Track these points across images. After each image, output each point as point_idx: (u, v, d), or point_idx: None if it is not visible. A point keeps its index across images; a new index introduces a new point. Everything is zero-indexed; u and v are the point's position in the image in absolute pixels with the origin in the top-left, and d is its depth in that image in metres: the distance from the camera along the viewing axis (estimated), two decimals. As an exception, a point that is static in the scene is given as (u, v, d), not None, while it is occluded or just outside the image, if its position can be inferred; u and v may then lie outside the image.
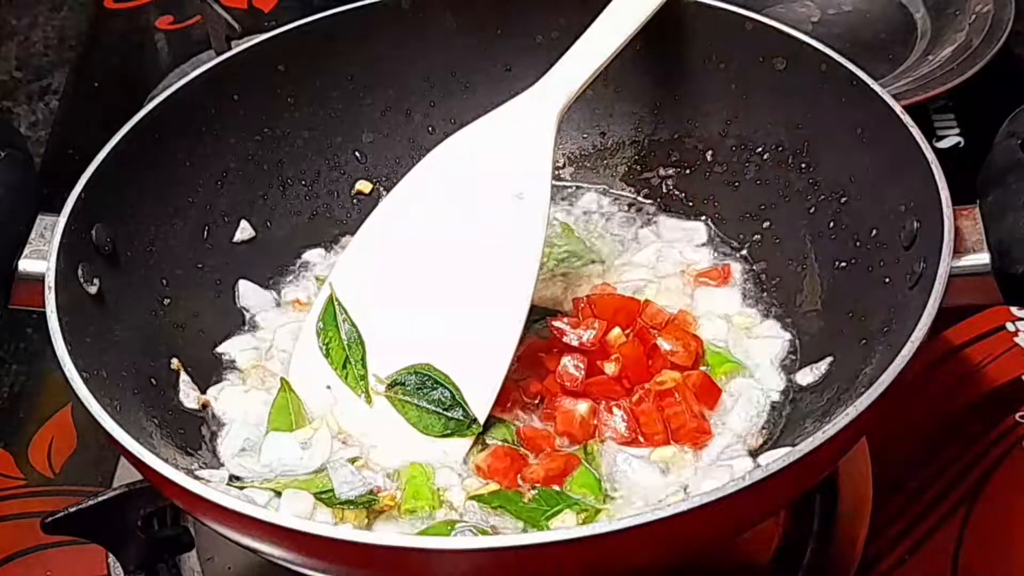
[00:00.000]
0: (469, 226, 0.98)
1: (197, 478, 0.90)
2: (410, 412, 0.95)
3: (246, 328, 1.08)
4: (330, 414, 0.97)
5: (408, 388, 0.95)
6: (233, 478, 0.94)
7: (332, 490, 0.90)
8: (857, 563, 0.97)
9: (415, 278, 0.98)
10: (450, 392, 0.94)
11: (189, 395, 0.99)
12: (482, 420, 0.93)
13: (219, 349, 1.05)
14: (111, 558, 1.02)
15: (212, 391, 1.01)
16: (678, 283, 1.08)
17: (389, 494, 0.90)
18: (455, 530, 0.88)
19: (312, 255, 1.14)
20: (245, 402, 1.01)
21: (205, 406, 1.00)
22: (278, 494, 0.91)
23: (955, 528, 1.02)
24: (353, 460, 0.94)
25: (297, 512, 0.88)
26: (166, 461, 0.77)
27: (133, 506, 0.93)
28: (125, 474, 1.04)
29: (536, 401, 0.97)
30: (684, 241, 1.12)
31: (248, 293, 1.09)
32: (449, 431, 0.94)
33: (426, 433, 0.94)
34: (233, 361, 1.05)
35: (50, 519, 0.90)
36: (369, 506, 0.90)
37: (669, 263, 1.10)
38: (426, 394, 0.95)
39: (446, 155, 1.01)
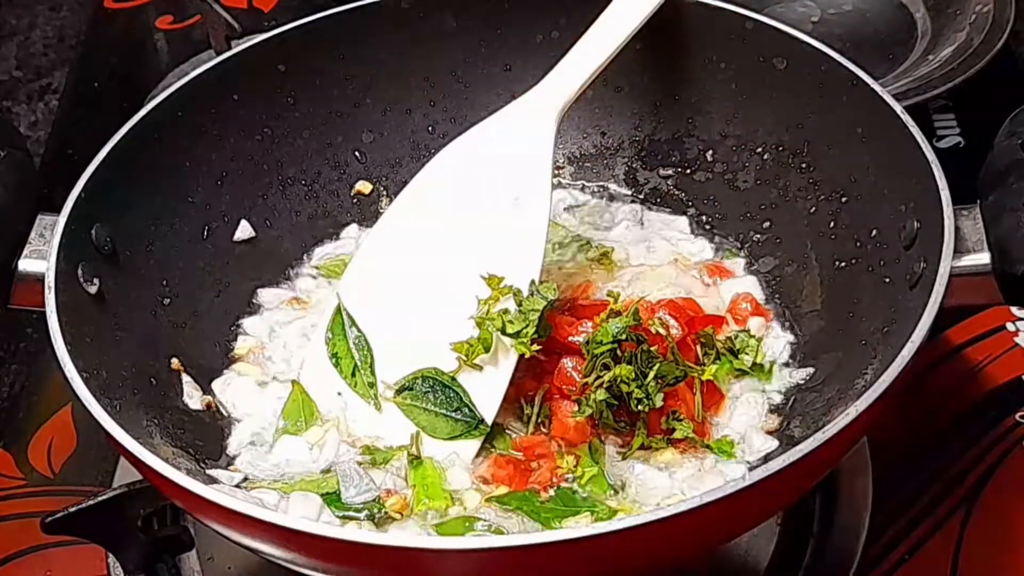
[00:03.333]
0: (472, 231, 0.98)
1: (210, 478, 0.90)
2: (419, 416, 0.95)
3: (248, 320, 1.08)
4: (342, 420, 0.98)
5: (416, 393, 0.96)
6: (248, 479, 0.94)
7: (339, 492, 0.91)
8: (857, 563, 0.97)
9: (420, 283, 0.99)
10: (457, 394, 0.94)
11: (193, 396, 0.99)
12: (489, 421, 0.93)
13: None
14: (111, 558, 1.02)
15: (217, 384, 1.02)
16: (671, 272, 1.08)
17: (400, 497, 0.91)
18: (473, 528, 0.88)
19: (313, 252, 1.14)
20: (253, 397, 1.01)
21: (209, 407, 1.00)
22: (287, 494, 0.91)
23: (955, 528, 1.02)
24: (361, 462, 0.94)
25: (305, 515, 0.89)
26: (166, 461, 0.77)
27: (133, 506, 0.93)
28: (125, 474, 1.04)
29: (531, 400, 0.96)
30: (671, 229, 1.13)
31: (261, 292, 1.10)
32: (457, 433, 0.94)
33: (434, 436, 0.94)
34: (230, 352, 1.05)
35: (50, 519, 0.90)
36: (375, 516, 0.90)
37: (661, 253, 1.10)
38: (434, 398, 0.95)
39: (446, 162, 1.01)
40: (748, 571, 0.98)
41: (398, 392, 0.96)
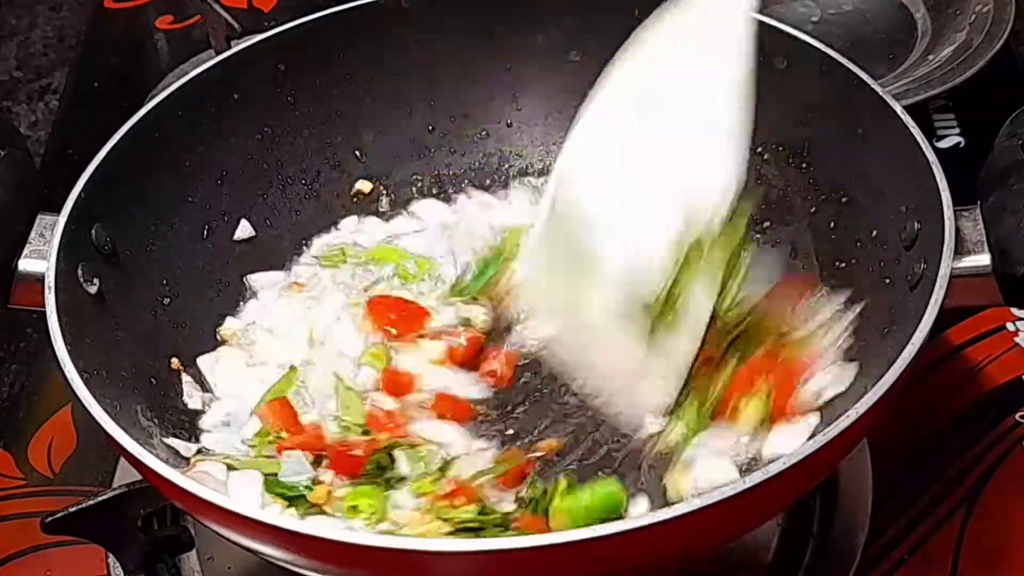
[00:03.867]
0: (667, 142, 0.88)
1: (167, 446, 0.91)
2: None
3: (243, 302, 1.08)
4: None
5: None
6: (202, 451, 0.94)
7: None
8: (857, 563, 0.97)
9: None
10: None
11: (193, 396, 0.99)
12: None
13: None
14: (111, 558, 1.02)
15: (205, 361, 1.01)
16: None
17: (325, 488, 0.89)
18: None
19: (317, 241, 1.14)
20: (238, 379, 1.01)
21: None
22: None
23: (955, 528, 1.02)
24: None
25: (245, 491, 0.88)
26: (166, 462, 0.77)
27: (133, 506, 0.93)
28: (125, 474, 1.04)
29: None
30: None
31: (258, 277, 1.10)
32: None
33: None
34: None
35: (50, 519, 0.90)
36: (298, 499, 0.89)
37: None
38: None
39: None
40: (748, 571, 0.98)
41: None
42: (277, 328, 1.05)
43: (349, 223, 1.15)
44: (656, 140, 0.89)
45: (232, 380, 1.01)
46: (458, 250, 1.09)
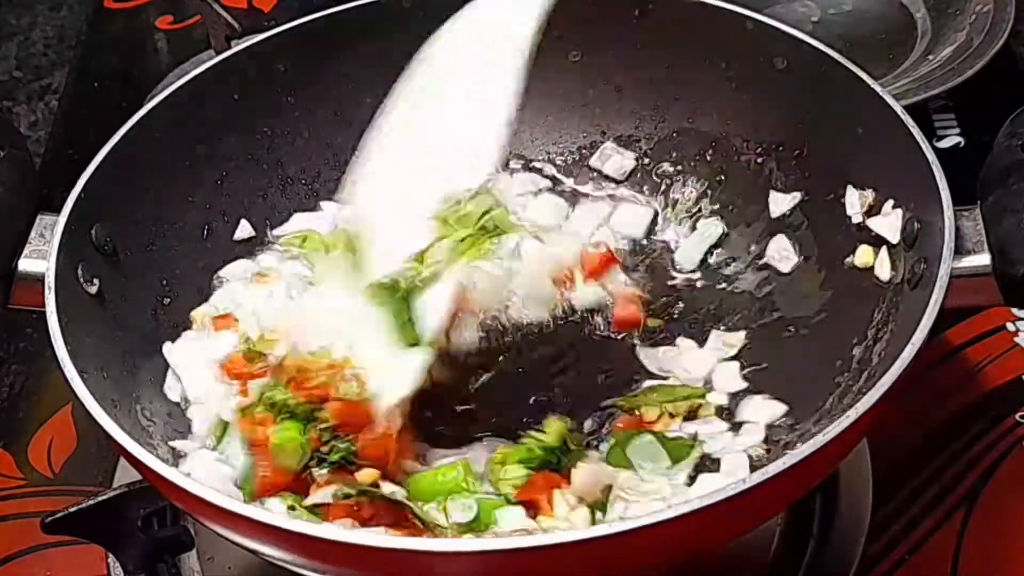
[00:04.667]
0: (446, 119, 0.95)
1: (172, 449, 0.91)
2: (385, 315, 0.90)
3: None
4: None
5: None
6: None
7: None
8: (857, 563, 0.97)
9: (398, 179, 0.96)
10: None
11: (173, 388, 0.98)
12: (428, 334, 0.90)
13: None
14: (111, 558, 1.02)
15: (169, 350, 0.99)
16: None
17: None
18: None
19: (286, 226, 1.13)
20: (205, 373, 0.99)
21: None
22: None
23: (955, 528, 1.02)
24: None
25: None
26: (165, 461, 0.77)
27: (133, 506, 0.93)
28: (125, 474, 1.04)
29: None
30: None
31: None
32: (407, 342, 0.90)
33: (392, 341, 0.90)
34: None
35: (50, 519, 0.90)
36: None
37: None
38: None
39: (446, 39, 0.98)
40: (748, 571, 0.98)
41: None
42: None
43: (329, 206, 1.14)
44: (425, 139, 0.96)
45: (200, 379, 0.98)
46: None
